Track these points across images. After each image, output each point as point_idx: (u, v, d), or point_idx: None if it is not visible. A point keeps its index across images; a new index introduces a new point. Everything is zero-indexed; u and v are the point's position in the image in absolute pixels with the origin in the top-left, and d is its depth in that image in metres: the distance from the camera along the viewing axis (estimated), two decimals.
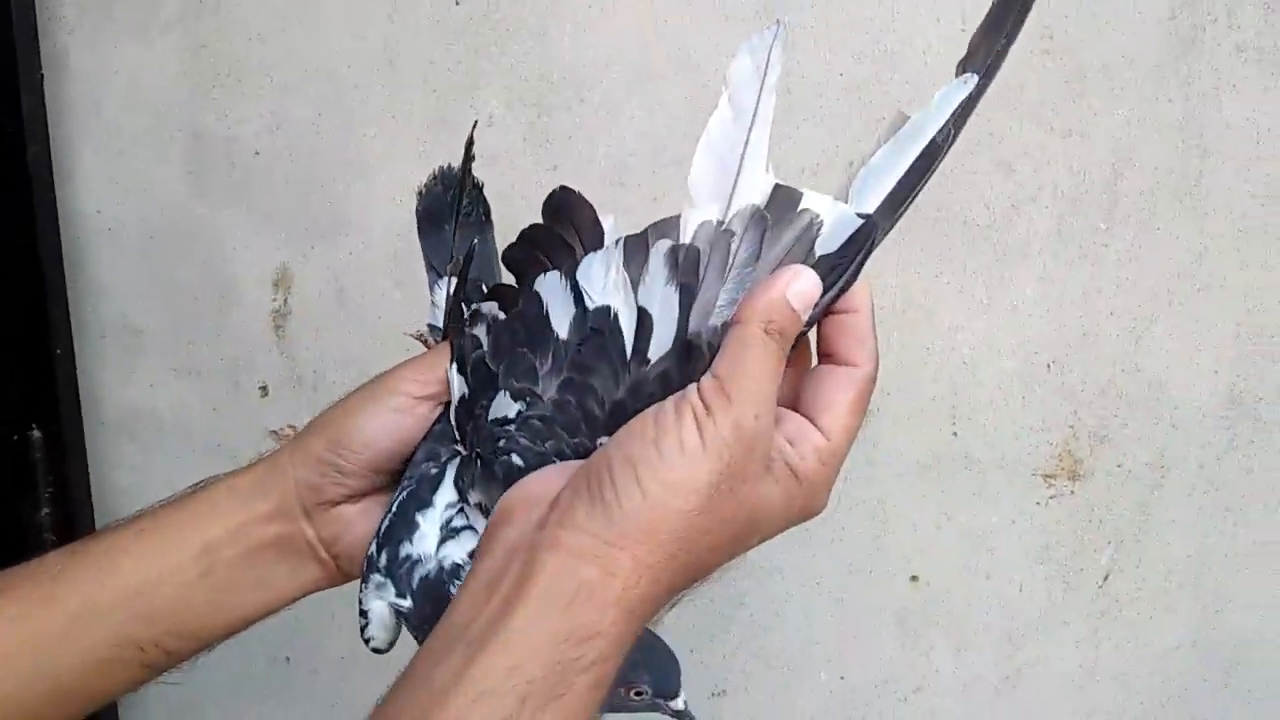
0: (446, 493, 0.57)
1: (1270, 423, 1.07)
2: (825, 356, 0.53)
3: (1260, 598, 1.13)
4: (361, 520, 0.62)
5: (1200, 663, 1.15)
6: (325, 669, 1.24)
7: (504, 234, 1.12)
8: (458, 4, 1.05)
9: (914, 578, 1.15)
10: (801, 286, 0.50)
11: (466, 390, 0.57)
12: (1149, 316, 1.06)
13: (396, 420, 0.60)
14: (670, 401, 0.48)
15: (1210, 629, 1.14)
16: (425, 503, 0.57)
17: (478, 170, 0.67)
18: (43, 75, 1.10)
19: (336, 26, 1.07)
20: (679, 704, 0.59)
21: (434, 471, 0.58)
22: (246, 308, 1.16)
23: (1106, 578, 1.13)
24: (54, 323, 1.15)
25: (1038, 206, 1.04)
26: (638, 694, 0.58)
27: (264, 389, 1.19)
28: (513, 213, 1.08)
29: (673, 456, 0.46)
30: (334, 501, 0.62)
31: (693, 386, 0.48)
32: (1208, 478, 1.09)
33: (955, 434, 1.11)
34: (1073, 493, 1.11)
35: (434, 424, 0.59)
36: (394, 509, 0.58)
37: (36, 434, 1.16)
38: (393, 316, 1.14)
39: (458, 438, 0.58)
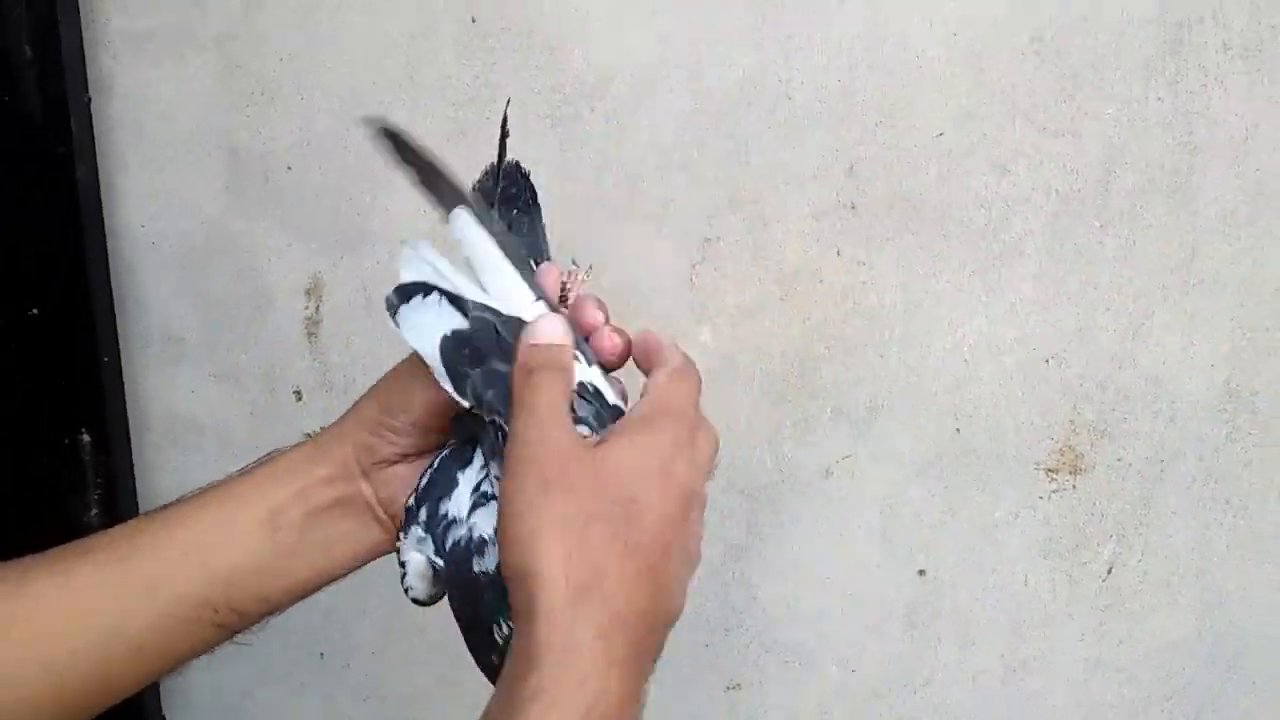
0: (481, 456, 0.60)
1: (1267, 415, 1.08)
2: (646, 373, 0.60)
3: (1262, 589, 1.14)
4: (415, 479, 0.65)
5: (1204, 655, 1.16)
6: (357, 662, 1.29)
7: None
8: (474, 22, 1.10)
9: (921, 572, 1.18)
10: (536, 330, 0.58)
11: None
12: (1145, 312, 1.08)
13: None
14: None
15: (1213, 621, 1.15)
16: (467, 460, 0.61)
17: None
18: (89, 99, 1.17)
19: (361, 46, 1.13)
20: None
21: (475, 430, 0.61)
22: (280, 316, 1.21)
23: (1110, 571, 1.15)
24: (101, 333, 1.20)
25: (1032, 206, 1.07)
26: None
27: (298, 393, 1.24)
28: None
29: (508, 510, 0.51)
30: (389, 460, 0.64)
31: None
32: (1207, 470, 1.11)
33: (958, 430, 1.13)
34: (1074, 486, 1.13)
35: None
36: (436, 464, 0.61)
37: (86, 438, 1.22)
38: None
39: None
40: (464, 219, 0.61)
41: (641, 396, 0.57)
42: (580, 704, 0.45)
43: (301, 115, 1.16)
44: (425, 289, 0.60)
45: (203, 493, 0.66)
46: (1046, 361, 1.10)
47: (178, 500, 0.66)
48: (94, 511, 1.24)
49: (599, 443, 0.53)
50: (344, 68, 1.14)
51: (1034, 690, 1.19)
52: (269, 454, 0.68)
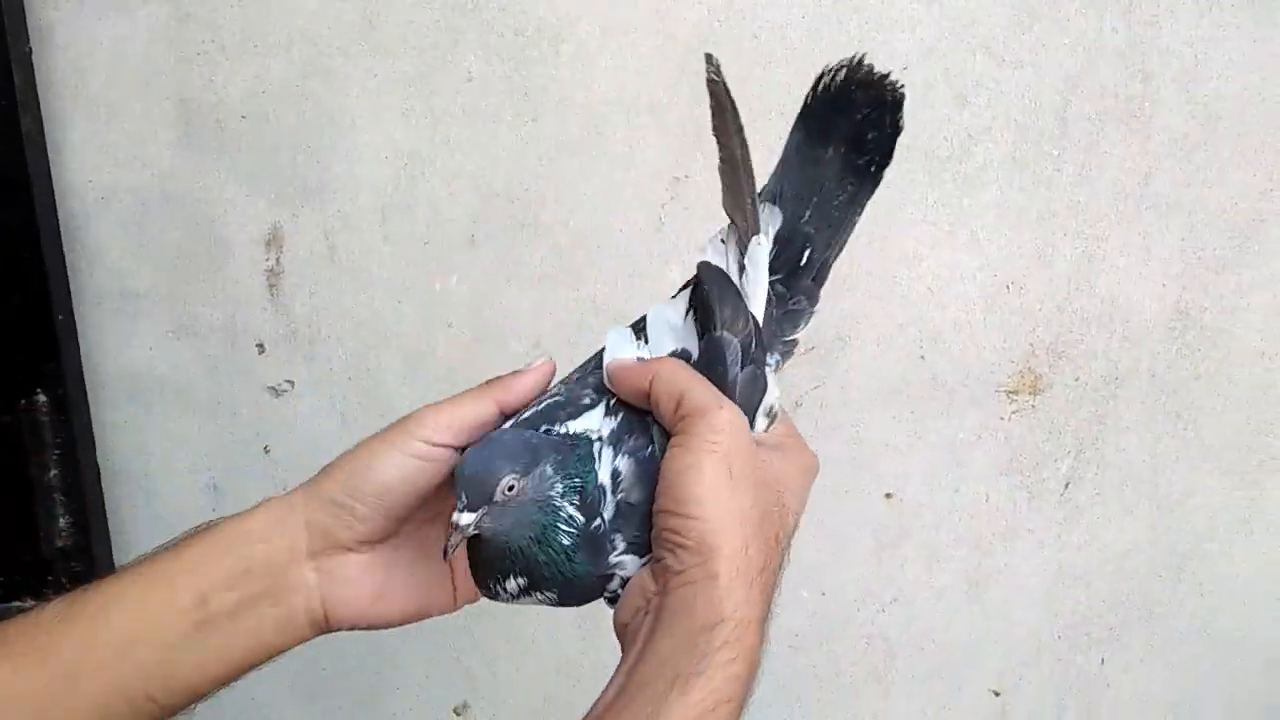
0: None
1: (1215, 330, 1.14)
2: None
3: (1211, 496, 1.20)
4: (364, 577, 0.64)
5: (1156, 560, 1.23)
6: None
7: (484, 179, 1.14)
8: None
9: (888, 495, 1.22)
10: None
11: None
12: (1100, 236, 1.12)
13: (415, 466, 0.62)
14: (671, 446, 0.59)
15: (1164, 529, 1.22)
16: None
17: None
18: (30, 49, 1.13)
19: None
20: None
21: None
22: (240, 268, 1.20)
23: (1067, 485, 1.21)
24: (55, 291, 1.18)
25: (993, 136, 1.10)
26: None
27: (260, 346, 1.23)
28: (491, 163, 1.13)
29: (695, 488, 0.56)
30: (344, 547, 0.63)
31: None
32: (1159, 386, 1.16)
33: (923, 357, 1.17)
34: (1034, 407, 1.18)
35: None
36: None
37: (42, 398, 1.20)
38: (383, 271, 1.18)
39: None
40: (763, 249, 0.63)
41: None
42: (753, 657, 0.56)
43: (256, 63, 1.13)
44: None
45: (130, 572, 0.63)
46: (1007, 288, 1.14)
47: (102, 581, 0.63)
48: (53, 472, 1.22)
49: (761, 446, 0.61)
50: (299, 15, 1.12)
51: (997, 601, 1.25)
52: (210, 522, 0.65)
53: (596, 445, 0.60)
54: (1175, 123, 1.08)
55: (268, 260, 1.20)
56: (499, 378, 0.65)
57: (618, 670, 0.56)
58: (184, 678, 0.62)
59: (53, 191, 1.17)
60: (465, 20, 1.10)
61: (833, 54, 1.07)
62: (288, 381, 1.24)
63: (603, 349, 0.64)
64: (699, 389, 0.59)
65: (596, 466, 0.60)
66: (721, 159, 0.62)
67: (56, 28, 1.14)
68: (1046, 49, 1.06)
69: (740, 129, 0.61)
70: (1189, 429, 1.18)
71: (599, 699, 0.55)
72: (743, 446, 0.58)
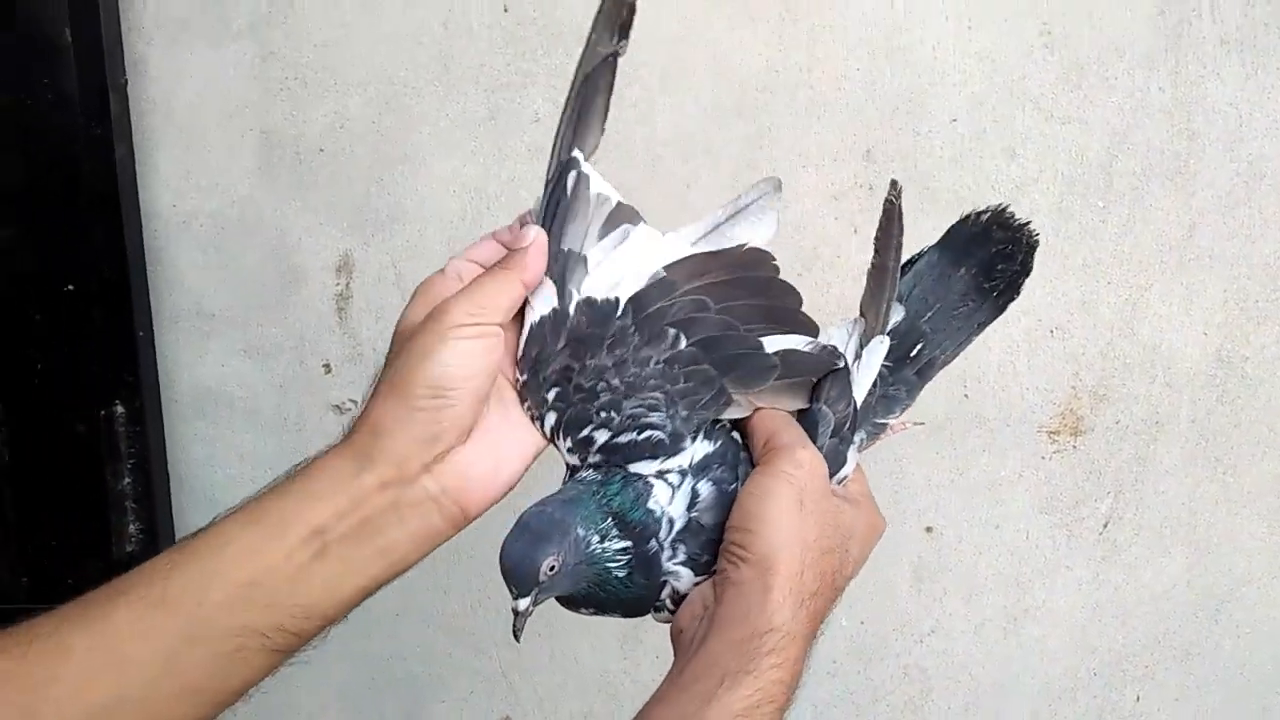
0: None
1: (1255, 379, 1.16)
2: None
3: (1248, 541, 1.22)
4: (480, 461, 0.63)
5: (1193, 601, 1.25)
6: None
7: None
8: (506, 11, 1.14)
9: (929, 529, 1.25)
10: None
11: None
12: (1144, 285, 1.15)
13: (480, 345, 0.62)
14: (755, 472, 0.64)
15: (1202, 570, 1.24)
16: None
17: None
18: (126, 81, 1.19)
19: (395, 34, 1.16)
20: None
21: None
22: (311, 292, 1.25)
23: (1106, 525, 1.23)
24: (136, 309, 1.23)
25: (1040, 187, 1.13)
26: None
27: (327, 366, 1.28)
28: None
29: (767, 510, 0.61)
30: (449, 447, 0.62)
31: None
32: (1199, 431, 1.19)
33: (966, 395, 1.20)
34: (1075, 447, 1.21)
35: None
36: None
37: (120, 410, 1.25)
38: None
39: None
40: (881, 349, 0.71)
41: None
42: (796, 669, 0.60)
43: (335, 99, 1.19)
44: None
45: (237, 514, 0.62)
46: (1051, 332, 1.17)
47: (210, 526, 0.63)
48: (126, 480, 1.28)
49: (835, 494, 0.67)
50: (377, 55, 1.17)
51: (1034, 636, 1.27)
52: (302, 464, 0.64)
53: (673, 476, 0.65)
54: (1219, 179, 1.11)
55: (338, 285, 1.26)
56: (510, 255, 0.64)
57: (670, 671, 0.61)
58: (313, 605, 0.62)
59: (139, 213, 1.23)
60: (535, 65, 1.15)
61: (886, 104, 1.12)
62: (351, 401, 1.29)
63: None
64: (790, 430, 0.65)
65: (652, 496, 0.64)
66: (874, 264, 0.68)
67: (150, 60, 1.20)
68: (1094, 106, 1.10)
69: (900, 246, 0.68)
70: (1228, 474, 1.20)
71: (651, 696, 0.59)
72: (818, 485, 0.63)
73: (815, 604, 0.61)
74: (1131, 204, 1.12)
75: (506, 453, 0.66)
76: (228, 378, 1.29)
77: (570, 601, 0.66)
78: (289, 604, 0.61)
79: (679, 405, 0.65)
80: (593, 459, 0.66)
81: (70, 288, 1.22)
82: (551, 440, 0.67)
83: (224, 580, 0.60)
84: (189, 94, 1.21)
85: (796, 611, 0.60)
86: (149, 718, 0.60)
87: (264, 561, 0.61)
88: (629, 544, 0.63)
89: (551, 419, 0.66)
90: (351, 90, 1.19)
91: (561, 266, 0.65)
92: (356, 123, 1.20)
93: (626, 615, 0.66)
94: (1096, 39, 1.09)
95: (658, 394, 0.65)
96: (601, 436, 0.65)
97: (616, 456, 0.65)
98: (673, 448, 0.65)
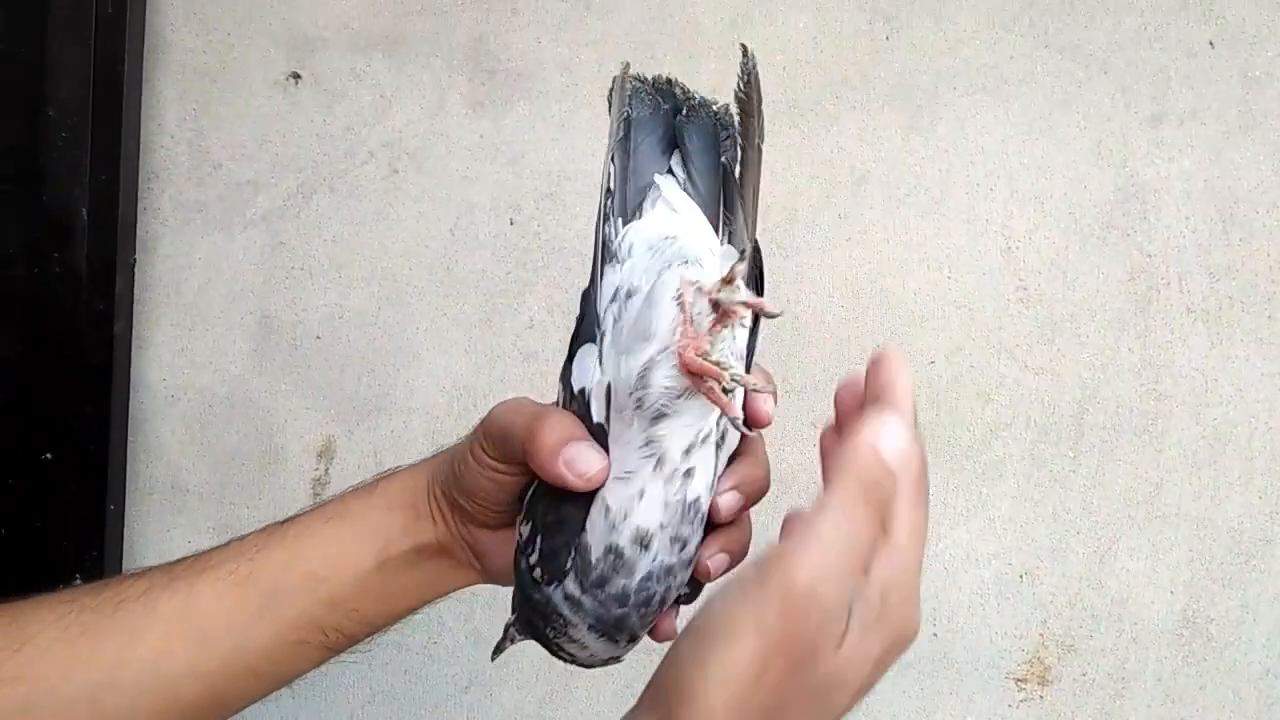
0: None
1: (1221, 642, 1.17)
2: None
3: None
4: (499, 548, 0.66)
5: None
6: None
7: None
8: (512, 224, 1.20)
9: None
10: (892, 444, 0.44)
11: None
12: (1112, 538, 1.17)
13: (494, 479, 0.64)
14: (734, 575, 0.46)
15: None
16: None
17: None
18: (135, 259, 1.23)
19: (403, 236, 1.21)
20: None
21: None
22: (288, 475, 1.26)
23: None
24: (111, 482, 1.24)
25: (1013, 433, 1.16)
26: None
27: None
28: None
29: (718, 650, 0.43)
30: (476, 523, 0.65)
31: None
32: (1164, 691, 1.18)
33: (935, 634, 1.20)
34: (1042, 698, 1.19)
35: None
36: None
37: (78, 582, 1.24)
38: None
39: None
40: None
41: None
42: None
43: (338, 291, 1.23)
44: None
45: (323, 509, 0.67)
46: (1021, 577, 1.18)
47: (294, 517, 0.67)
48: None
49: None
50: (385, 253, 1.22)
51: None
52: (386, 471, 0.69)
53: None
54: (1186, 440, 1.14)
55: (316, 470, 1.26)
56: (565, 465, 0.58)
57: None
58: (367, 612, 0.65)
59: (129, 386, 1.25)
60: (535, 275, 1.20)
61: (865, 341, 1.16)
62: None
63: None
64: (803, 522, 0.46)
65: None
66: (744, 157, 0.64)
67: (162, 240, 1.24)
68: (1066, 360, 1.14)
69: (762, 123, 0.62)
70: None
71: None
72: (808, 634, 0.43)
73: None
74: (1101, 456, 1.15)
75: None
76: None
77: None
78: (347, 606, 0.64)
79: None
80: None
81: (47, 456, 1.22)
82: None
83: (300, 571, 0.63)
84: (196, 274, 1.25)
85: None
86: (211, 692, 0.62)
87: (337, 560, 0.64)
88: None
89: None
90: (355, 284, 1.23)
91: None
92: (356, 314, 1.23)
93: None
94: (1070, 297, 1.14)
95: None
96: None
97: None
98: None
